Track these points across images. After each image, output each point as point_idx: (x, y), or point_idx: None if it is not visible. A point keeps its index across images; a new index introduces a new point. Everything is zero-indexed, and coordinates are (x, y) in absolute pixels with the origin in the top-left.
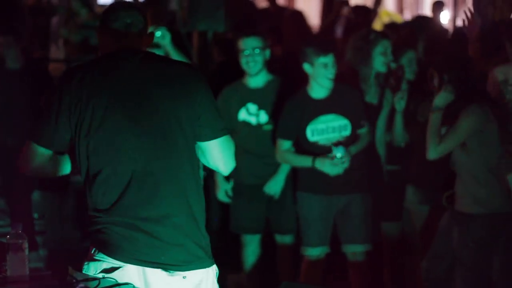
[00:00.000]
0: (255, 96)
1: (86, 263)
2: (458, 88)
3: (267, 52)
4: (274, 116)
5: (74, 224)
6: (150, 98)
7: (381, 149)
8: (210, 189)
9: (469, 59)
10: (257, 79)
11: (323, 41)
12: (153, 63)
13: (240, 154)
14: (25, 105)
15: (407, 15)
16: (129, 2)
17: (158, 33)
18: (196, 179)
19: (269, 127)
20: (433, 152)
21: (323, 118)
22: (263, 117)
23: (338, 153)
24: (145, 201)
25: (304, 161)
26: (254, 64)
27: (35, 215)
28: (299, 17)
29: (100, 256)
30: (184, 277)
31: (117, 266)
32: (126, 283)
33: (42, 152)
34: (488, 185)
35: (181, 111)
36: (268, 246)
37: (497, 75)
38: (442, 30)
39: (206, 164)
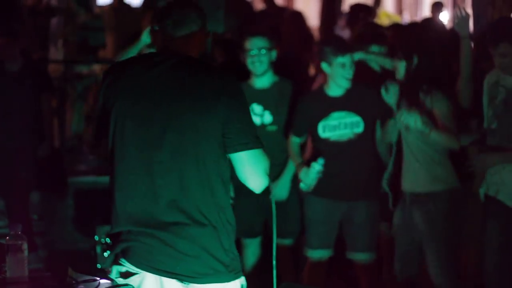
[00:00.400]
0: (260, 96)
1: (113, 265)
2: (423, 72)
3: (274, 53)
4: (278, 117)
5: (73, 225)
6: (168, 108)
7: (381, 148)
8: None
9: (436, 46)
10: (262, 79)
11: (341, 41)
12: (181, 70)
13: None
14: (24, 107)
15: (407, 16)
16: (186, 0)
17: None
18: (216, 191)
19: (273, 128)
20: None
21: (335, 114)
22: (268, 117)
23: (318, 165)
24: (162, 210)
25: (294, 161)
26: (260, 64)
27: (35, 216)
28: (299, 18)
29: (122, 260)
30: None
31: (135, 272)
32: (126, 284)
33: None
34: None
35: (200, 123)
36: (268, 247)
37: (490, 77)
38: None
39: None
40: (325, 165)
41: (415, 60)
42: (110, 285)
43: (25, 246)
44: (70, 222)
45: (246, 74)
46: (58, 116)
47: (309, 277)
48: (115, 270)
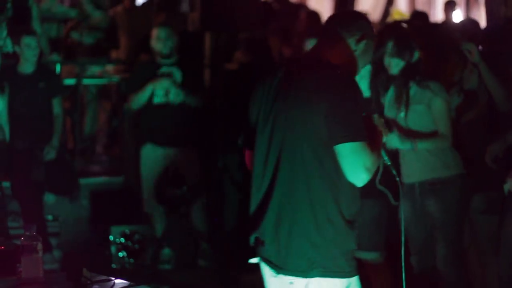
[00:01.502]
0: None
1: None
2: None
3: None
4: None
5: (87, 226)
6: (276, 106)
7: None
8: (226, 189)
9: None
10: None
11: None
12: (302, 75)
13: None
14: (37, 109)
15: None
16: (355, 12)
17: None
18: (314, 186)
19: None
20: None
21: None
22: None
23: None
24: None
25: None
26: None
27: (49, 217)
28: (313, 17)
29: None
30: (290, 282)
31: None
32: (140, 283)
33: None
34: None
35: (304, 117)
36: None
37: None
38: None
39: None
40: None
41: (416, 55)
42: (125, 285)
43: (39, 246)
44: (84, 222)
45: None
46: (71, 118)
47: None
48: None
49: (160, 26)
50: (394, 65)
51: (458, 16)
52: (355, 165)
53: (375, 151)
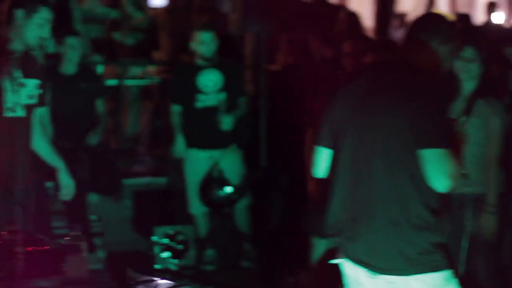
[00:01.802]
0: None
1: None
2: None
3: None
4: None
5: (131, 226)
6: (366, 108)
7: None
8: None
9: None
10: None
11: None
12: (388, 79)
13: None
14: (79, 109)
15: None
16: (438, 15)
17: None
18: (411, 189)
19: None
20: None
21: None
22: None
23: None
24: (360, 201)
25: None
26: None
27: (93, 217)
28: (354, 18)
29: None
30: (391, 282)
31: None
32: (183, 284)
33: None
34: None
35: (392, 121)
36: None
37: None
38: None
39: None
40: None
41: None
42: (168, 285)
43: (84, 246)
44: (128, 223)
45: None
46: (114, 118)
47: None
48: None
49: (204, 29)
50: (469, 72)
51: (499, 17)
52: (440, 171)
53: (457, 159)
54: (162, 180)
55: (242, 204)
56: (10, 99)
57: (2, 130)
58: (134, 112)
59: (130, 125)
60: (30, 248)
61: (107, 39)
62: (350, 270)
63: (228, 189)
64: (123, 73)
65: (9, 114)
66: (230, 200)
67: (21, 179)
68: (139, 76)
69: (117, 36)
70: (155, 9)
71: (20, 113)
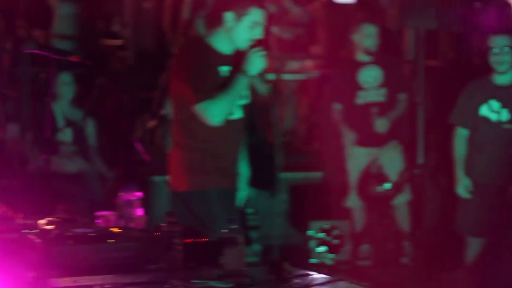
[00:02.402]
0: (500, 93)
1: None
2: None
3: None
4: None
5: (287, 220)
6: None
7: None
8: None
9: None
10: (504, 77)
11: None
12: None
13: (476, 151)
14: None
15: None
16: None
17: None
18: None
19: (509, 126)
20: None
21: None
22: (505, 115)
23: None
24: None
25: None
26: (503, 62)
27: (250, 210)
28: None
29: None
30: None
31: None
32: (339, 279)
33: None
34: None
35: None
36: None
37: None
38: None
39: None
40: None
41: None
42: (324, 280)
43: (242, 239)
44: (284, 217)
45: (483, 70)
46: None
47: None
48: None
49: (368, 22)
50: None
51: None
52: None
53: None
54: (318, 175)
55: (401, 201)
56: None
57: None
58: (291, 106)
59: (287, 119)
60: (188, 240)
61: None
62: None
63: (387, 185)
64: (281, 68)
65: None
66: (389, 195)
67: None
68: (296, 71)
69: (275, 30)
70: (312, 3)
71: None
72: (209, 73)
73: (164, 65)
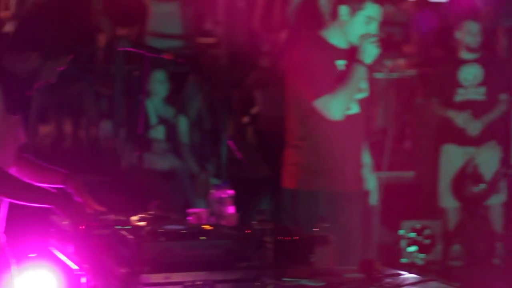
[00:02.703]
0: None
1: None
2: None
3: None
4: None
5: (379, 219)
6: None
7: None
8: None
9: None
10: None
11: None
12: None
13: None
14: None
15: None
16: None
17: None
18: None
19: None
20: None
21: None
22: None
23: None
24: None
25: None
26: None
27: None
28: None
29: None
30: None
31: None
32: (430, 279)
33: None
34: None
35: None
36: None
37: None
38: None
39: None
40: None
41: None
42: (415, 280)
43: (332, 238)
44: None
45: None
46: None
47: None
48: None
49: (472, 19)
50: None
51: None
52: None
53: None
54: (409, 174)
55: (496, 201)
56: None
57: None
58: (384, 105)
59: (379, 117)
60: (280, 238)
61: None
62: None
63: (482, 186)
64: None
65: None
66: (484, 196)
67: None
68: (390, 69)
69: None
70: (405, 2)
71: None
72: (327, 67)
73: (256, 63)
